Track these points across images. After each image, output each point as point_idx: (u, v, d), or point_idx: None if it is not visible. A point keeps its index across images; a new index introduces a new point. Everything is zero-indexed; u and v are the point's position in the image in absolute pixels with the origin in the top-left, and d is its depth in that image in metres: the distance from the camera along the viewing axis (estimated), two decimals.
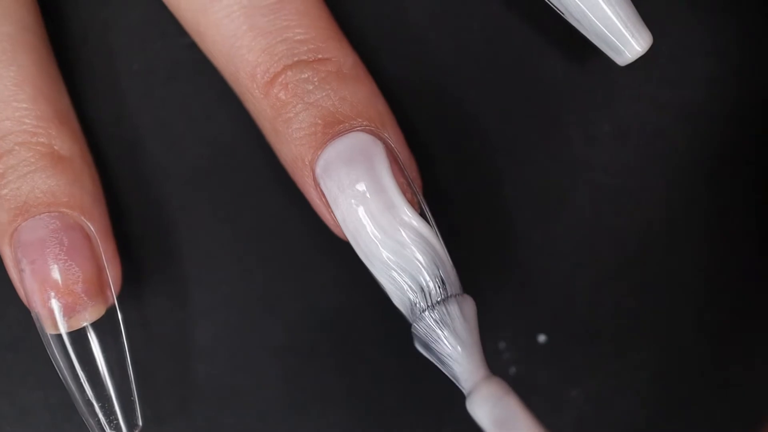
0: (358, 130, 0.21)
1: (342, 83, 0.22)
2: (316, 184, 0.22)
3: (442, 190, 0.25)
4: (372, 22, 0.25)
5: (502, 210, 0.25)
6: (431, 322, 0.21)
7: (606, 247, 0.25)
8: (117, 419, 0.22)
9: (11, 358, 0.25)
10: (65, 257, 0.22)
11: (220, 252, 0.25)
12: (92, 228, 0.22)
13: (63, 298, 0.22)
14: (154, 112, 0.25)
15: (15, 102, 0.22)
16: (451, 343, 0.21)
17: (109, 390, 0.22)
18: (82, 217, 0.22)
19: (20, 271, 0.22)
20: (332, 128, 0.21)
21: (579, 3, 0.22)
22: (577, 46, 0.25)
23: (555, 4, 0.22)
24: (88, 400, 0.22)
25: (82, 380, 0.22)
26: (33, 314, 0.22)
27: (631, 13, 0.22)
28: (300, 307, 0.25)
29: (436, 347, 0.21)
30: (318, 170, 0.22)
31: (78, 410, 0.22)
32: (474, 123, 0.25)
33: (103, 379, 0.22)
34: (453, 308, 0.21)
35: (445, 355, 0.21)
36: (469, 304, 0.21)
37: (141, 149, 0.25)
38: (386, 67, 0.25)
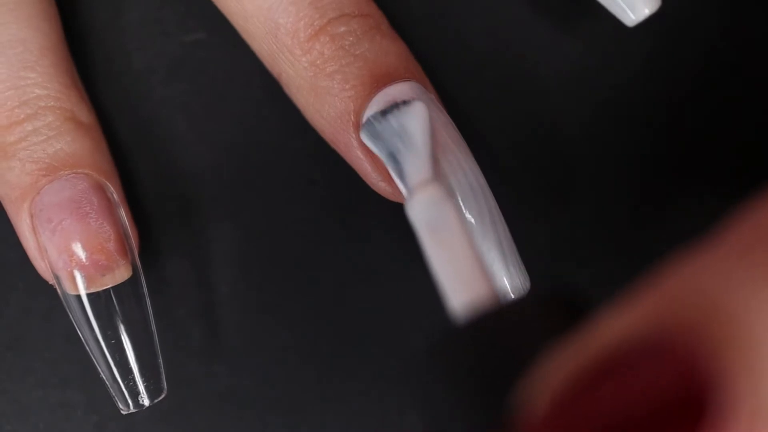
0: (406, 81, 0.22)
1: (384, 38, 0.22)
2: (360, 143, 0.22)
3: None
4: None
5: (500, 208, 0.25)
6: (393, 122, 0.21)
7: (607, 246, 0.25)
8: (145, 384, 0.22)
9: (11, 358, 0.25)
10: (96, 216, 0.22)
11: (220, 252, 0.25)
12: (114, 193, 0.22)
13: (95, 255, 0.21)
14: (154, 111, 0.25)
15: (39, 67, 0.22)
16: (406, 137, 0.20)
17: (132, 356, 0.22)
18: (106, 182, 0.22)
19: (39, 234, 0.22)
20: (380, 78, 0.22)
21: None
22: (576, 45, 0.25)
23: None
24: (113, 366, 0.22)
25: (106, 346, 0.22)
26: (55, 280, 0.22)
27: None
28: (300, 307, 0.25)
29: (389, 138, 0.20)
30: (364, 118, 0.21)
31: (104, 377, 0.22)
32: (470, 121, 0.25)
33: (127, 344, 0.22)
34: (418, 107, 0.21)
35: (396, 149, 0.20)
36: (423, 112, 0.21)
37: (141, 149, 0.25)
38: None
